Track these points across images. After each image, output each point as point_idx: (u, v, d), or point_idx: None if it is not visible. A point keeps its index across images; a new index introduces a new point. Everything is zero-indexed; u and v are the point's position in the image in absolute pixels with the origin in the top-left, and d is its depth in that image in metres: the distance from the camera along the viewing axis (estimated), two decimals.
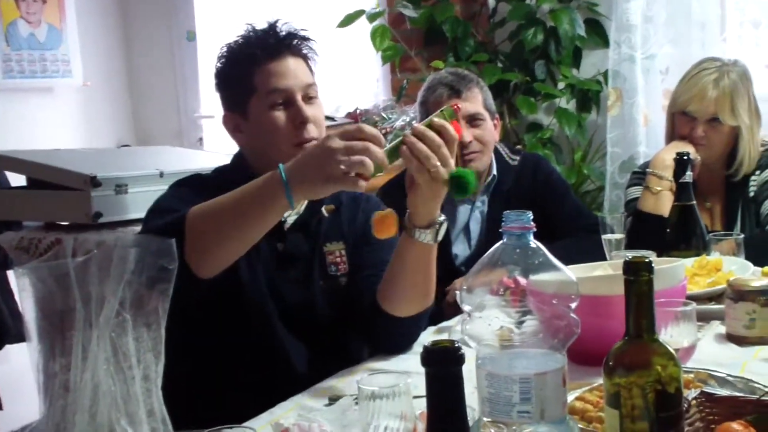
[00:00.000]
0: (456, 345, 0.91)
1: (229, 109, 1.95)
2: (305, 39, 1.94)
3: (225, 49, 1.95)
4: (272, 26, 1.91)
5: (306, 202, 1.97)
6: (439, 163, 1.60)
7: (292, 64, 1.90)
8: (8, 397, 3.23)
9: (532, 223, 1.17)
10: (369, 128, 1.58)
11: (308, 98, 1.90)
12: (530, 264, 1.15)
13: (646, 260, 1.10)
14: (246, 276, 1.87)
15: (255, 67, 1.88)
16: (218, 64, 1.96)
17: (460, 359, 0.90)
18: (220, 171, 2.00)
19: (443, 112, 1.66)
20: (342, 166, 1.52)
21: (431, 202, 1.69)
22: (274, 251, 1.92)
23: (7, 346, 3.18)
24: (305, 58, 1.94)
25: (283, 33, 1.91)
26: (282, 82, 1.87)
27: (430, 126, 1.62)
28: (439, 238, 1.74)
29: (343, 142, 1.54)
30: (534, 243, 1.17)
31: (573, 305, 1.16)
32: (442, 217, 1.74)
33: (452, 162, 1.63)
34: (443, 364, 0.91)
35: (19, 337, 3.11)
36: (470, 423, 1.00)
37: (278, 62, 1.88)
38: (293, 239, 1.94)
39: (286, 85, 1.86)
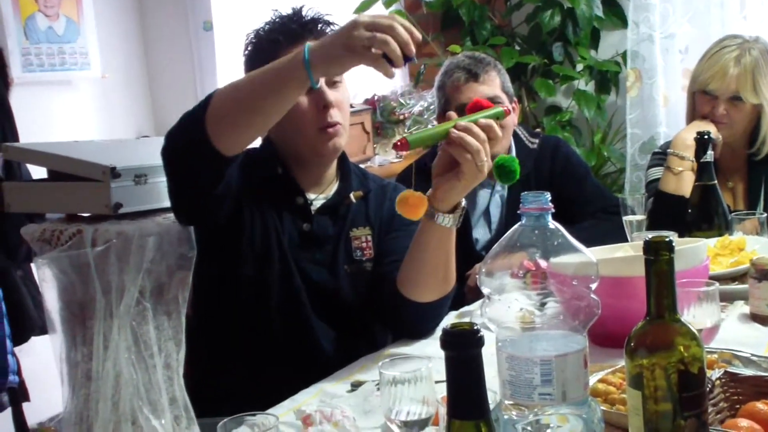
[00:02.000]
0: (475, 328, 0.91)
1: None
2: (329, 24, 1.94)
3: (252, 35, 1.96)
4: (296, 12, 1.92)
5: (335, 187, 1.99)
6: (486, 158, 1.64)
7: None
8: (35, 389, 3.25)
9: (550, 204, 1.16)
10: (402, 19, 1.56)
11: (332, 83, 1.91)
12: (549, 245, 1.15)
13: (667, 239, 1.09)
14: (275, 253, 1.89)
15: (277, 53, 1.88)
16: (245, 50, 1.97)
17: (479, 342, 0.90)
18: (249, 153, 2.01)
19: (498, 116, 1.72)
20: (365, 39, 1.50)
21: (467, 190, 1.72)
22: (300, 231, 1.93)
23: (33, 339, 3.20)
24: None
25: (307, 18, 1.91)
26: None
27: (476, 123, 1.65)
28: (460, 222, 1.74)
29: (370, 18, 1.53)
30: (552, 224, 1.17)
31: (593, 286, 1.15)
32: (464, 202, 1.74)
33: (490, 158, 1.67)
34: (462, 347, 0.90)
35: (44, 329, 3.13)
36: (491, 406, 0.99)
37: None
38: (320, 221, 1.95)
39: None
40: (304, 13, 1.92)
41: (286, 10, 1.94)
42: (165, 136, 1.75)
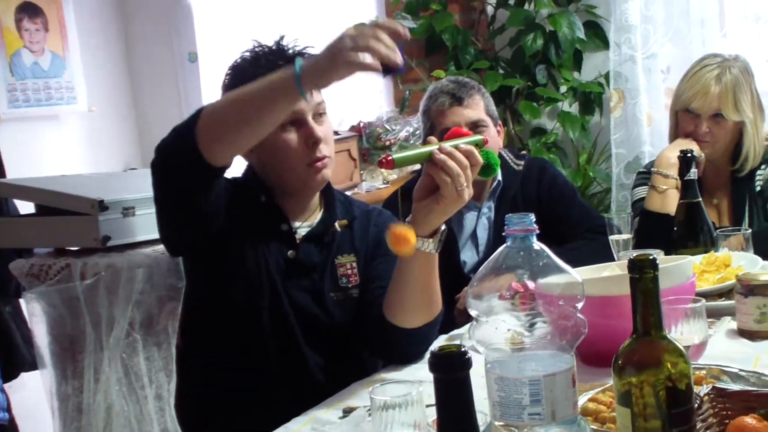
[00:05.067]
0: (462, 350, 0.92)
1: None
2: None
3: (232, 66, 1.96)
4: (279, 45, 1.92)
5: (320, 216, 2.00)
6: (465, 183, 1.65)
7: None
8: (25, 426, 3.23)
9: (534, 225, 1.18)
10: (387, 22, 1.59)
11: (318, 115, 1.93)
12: (534, 266, 1.16)
13: (650, 257, 1.10)
14: (264, 279, 1.89)
15: None
16: (226, 83, 1.97)
17: (467, 363, 0.91)
18: (231, 181, 2.02)
19: (477, 143, 1.73)
20: (350, 49, 1.54)
21: (446, 215, 1.72)
22: (285, 258, 1.93)
23: (23, 375, 3.19)
24: None
25: (292, 52, 1.91)
26: None
27: (457, 148, 1.67)
28: (440, 247, 1.75)
29: (354, 28, 1.57)
30: (537, 245, 1.18)
31: (579, 305, 1.16)
32: (443, 227, 1.75)
33: (470, 185, 1.68)
34: (450, 369, 0.91)
35: (34, 365, 3.12)
36: (482, 428, 1.00)
37: None
38: (305, 249, 1.95)
39: (296, 106, 1.86)
40: (286, 46, 1.92)
41: (266, 41, 1.94)
42: (155, 149, 1.78)
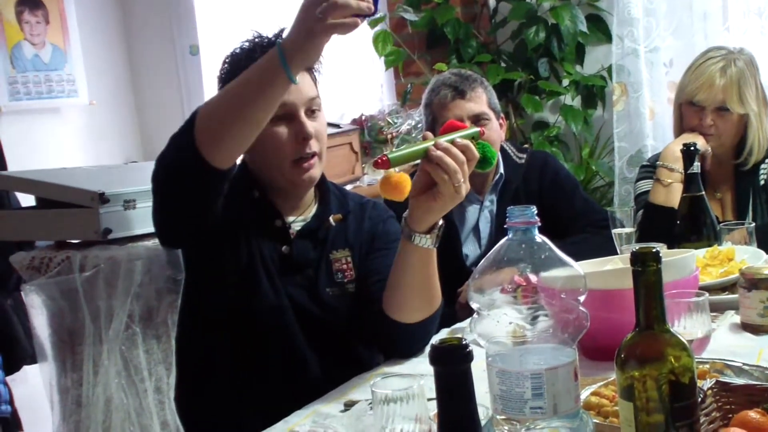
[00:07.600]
0: (464, 342, 0.91)
1: None
2: None
3: (230, 55, 1.93)
4: (279, 36, 1.89)
5: (314, 211, 1.98)
6: (462, 179, 1.63)
7: (296, 77, 1.88)
8: (27, 418, 3.23)
9: (536, 217, 1.17)
10: None
11: (311, 111, 1.89)
12: (536, 259, 1.15)
13: (653, 250, 1.09)
14: (261, 274, 1.87)
15: None
16: (222, 70, 1.94)
17: (468, 356, 0.90)
18: None
19: (473, 136, 1.71)
20: (318, 15, 1.51)
21: (443, 211, 1.70)
22: (279, 254, 1.91)
23: (25, 368, 3.19)
24: (310, 70, 1.92)
25: None
26: (285, 96, 1.86)
27: (453, 143, 1.65)
28: (438, 242, 1.74)
29: None
30: (539, 237, 1.17)
31: (581, 299, 1.15)
32: (441, 221, 1.74)
33: (467, 180, 1.66)
34: (451, 362, 0.90)
35: (36, 358, 3.11)
36: (483, 422, 0.99)
37: None
38: (300, 246, 1.93)
39: (288, 100, 1.82)
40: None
41: (267, 33, 1.91)
42: (156, 160, 1.75)
